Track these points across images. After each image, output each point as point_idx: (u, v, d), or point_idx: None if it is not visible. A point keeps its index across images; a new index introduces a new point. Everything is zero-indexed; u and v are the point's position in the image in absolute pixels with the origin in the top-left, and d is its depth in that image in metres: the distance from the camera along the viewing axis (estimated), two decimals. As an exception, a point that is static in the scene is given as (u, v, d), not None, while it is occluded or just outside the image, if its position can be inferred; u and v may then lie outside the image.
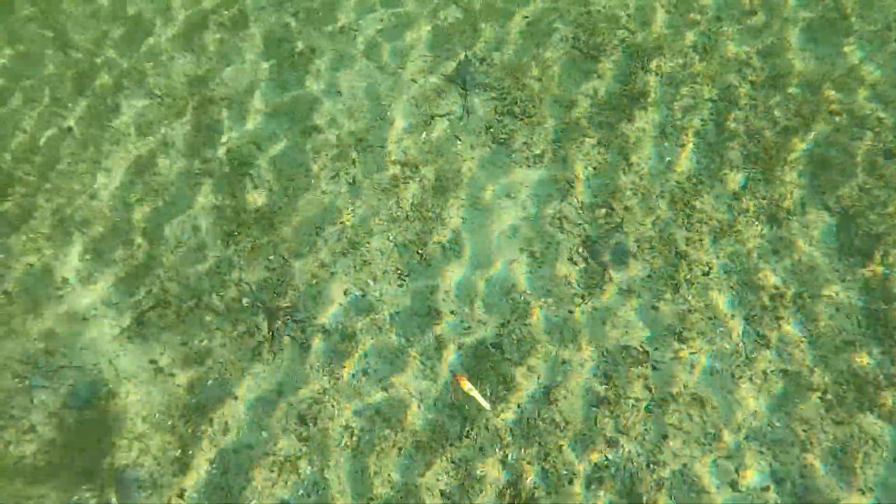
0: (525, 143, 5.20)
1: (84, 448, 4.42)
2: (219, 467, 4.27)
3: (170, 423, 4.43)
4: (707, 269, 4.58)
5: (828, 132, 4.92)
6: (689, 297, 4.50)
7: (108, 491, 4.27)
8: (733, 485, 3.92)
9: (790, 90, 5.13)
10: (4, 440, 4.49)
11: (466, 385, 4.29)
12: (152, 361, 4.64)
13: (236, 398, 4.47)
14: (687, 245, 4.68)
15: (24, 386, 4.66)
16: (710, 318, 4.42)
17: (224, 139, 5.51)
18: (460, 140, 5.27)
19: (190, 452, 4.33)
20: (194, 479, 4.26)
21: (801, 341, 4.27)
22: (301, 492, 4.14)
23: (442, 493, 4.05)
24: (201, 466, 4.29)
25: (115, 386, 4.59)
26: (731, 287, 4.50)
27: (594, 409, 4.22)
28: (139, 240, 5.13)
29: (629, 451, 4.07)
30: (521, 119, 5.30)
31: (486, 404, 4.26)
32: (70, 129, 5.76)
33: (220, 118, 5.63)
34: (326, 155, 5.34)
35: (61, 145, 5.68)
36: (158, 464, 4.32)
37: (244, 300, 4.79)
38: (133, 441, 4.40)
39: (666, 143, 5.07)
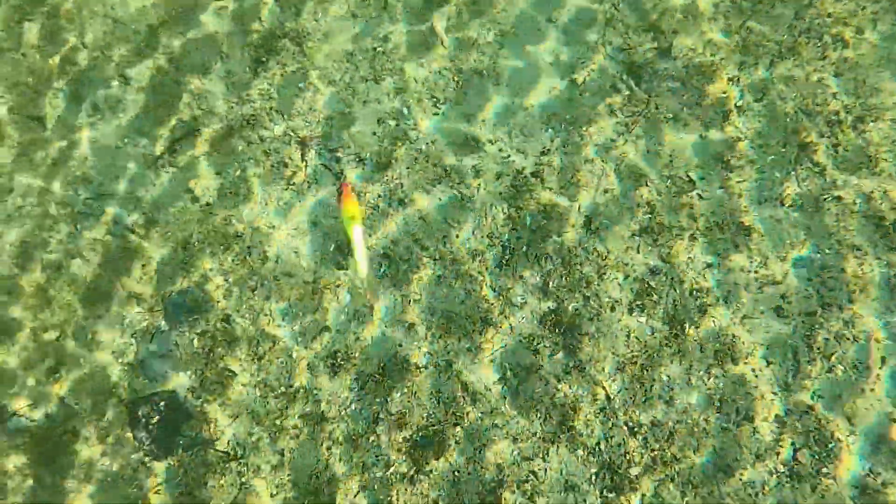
0: (568, -40, 4.37)
1: (131, 273, 4.10)
2: (259, 294, 3.94)
3: (209, 251, 4.06)
4: (761, 95, 3.92)
5: (908, -60, 4.03)
6: (740, 124, 3.88)
7: (156, 314, 3.99)
8: (778, 310, 3.51)
9: None
10: (54, 266, 4.18)
11: None
12: (188, 190, 4.20)
13: (273, 227, 4.05)
14: (740, 70, 3.99)
15: (69, 213, 4.29)
16: (760, 146, 3.83)
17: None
18: (498, -42, 4.44)
19: (230, 280, 3.99)
20: (235, 304, 3.94)
21: (859, 168, 3.69)
22: (343, 318, 3.82)
23: (483, 320, 3.70)
24: (241, 294, 3.96)
25: (153, 214, 4.18)
26: (787, 113, 3.86)
27: (637, 238, 3.75)
28: (166, 65, 4.52)
29: (672, 279, 3.64)
30: (565, -67, 4.43)
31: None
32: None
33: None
34: (355, -27, 4.56)
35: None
36: (201, 290, 4.00)
37: (275, 129, 4.24)
38: (177, 268, 4.07)
39: (723, -41, 4.22)
